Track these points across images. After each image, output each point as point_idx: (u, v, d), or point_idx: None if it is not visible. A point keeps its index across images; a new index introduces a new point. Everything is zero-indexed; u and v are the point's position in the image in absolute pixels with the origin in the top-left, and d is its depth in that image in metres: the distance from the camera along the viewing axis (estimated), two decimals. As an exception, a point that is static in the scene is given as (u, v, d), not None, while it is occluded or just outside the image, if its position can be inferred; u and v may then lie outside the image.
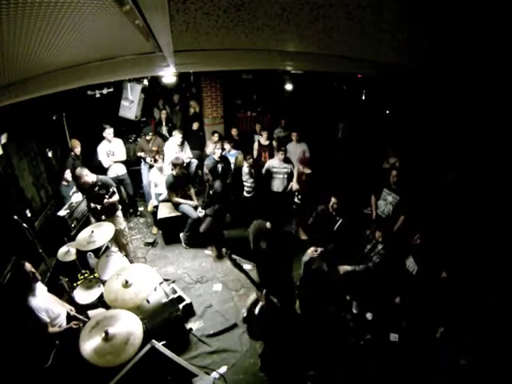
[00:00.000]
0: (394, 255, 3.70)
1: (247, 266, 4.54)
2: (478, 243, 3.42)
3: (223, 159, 5.28)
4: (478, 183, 3.93)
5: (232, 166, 5.56)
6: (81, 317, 2.89)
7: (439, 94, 4.00)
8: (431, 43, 1.16)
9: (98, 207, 4.12)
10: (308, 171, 5.09)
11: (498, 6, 0.73)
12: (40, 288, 2.75)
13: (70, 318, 2.86)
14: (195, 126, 6.70)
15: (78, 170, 4.05)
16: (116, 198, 4.24)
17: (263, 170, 5.37)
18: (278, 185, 5.30)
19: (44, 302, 2.68)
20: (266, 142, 5.96)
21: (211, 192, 4.98)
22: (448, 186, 4.24)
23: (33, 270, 2.63)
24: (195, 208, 5.06)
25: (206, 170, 5.22)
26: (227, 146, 5.66)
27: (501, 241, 3.32)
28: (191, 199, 5.18)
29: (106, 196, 4.04)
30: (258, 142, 6.03)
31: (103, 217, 4.16)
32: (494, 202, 3.66)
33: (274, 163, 5.28)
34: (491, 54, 1.10)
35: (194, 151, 6.33)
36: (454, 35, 1.02)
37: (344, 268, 3.70)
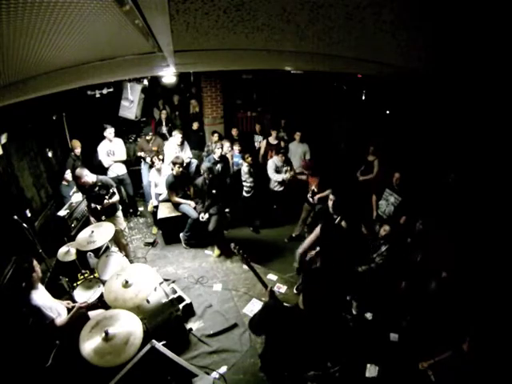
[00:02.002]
0: (397, 253, 3.69)
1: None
2: (479, 243, 3.42)
3: (223, 159, 5.28)
4: (480, 184, 3.94)
5: (238, 166, 5.58)
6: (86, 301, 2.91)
7: (440, 95, 4.00)
8: (432, 43, 1.16)
9: (98, 207, 4.12)
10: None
11: (498, 6, 0.73)
12: (42, 287, 2.77)
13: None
14: (195, 125, 6.71)
15: (78, 170, 4.05)
16: (116, 198, 4.23)
17: (268, 164, 5.34)
18: (278, 184, 5.32)
19: (48, 300, 2.72)
20: (275, 142, 6.01)
21: (213, 191, 4.97)
22: (450, 187, 4.24)
23: (38, 268, 2.68)
24: (195, 208, 5.06)
25: (204, 174, 5.14)
26: (236, 148, 5.66)
27: (502, 242, 3.33)
28: (191, 199, 5.18)
29: (106, 197, 4.04)
30: (267, 140, 6.07)
31: (103, 217, 4.16)
32: (495, 202, 3.67)
33: (278, 163, 5.31)
34: (491, 54, 1.10)
35: (194, 151, 6.34)
36: (454, 35, 1.02)
37: None
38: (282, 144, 6.05)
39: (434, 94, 4.16)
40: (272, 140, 6.00)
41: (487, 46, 1.03)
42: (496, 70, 1.28)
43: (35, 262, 2.65)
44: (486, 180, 3.86)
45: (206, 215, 4.88)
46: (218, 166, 5.16)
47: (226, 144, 5.56)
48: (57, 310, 2.73)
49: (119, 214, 4.43)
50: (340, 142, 7.03)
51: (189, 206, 5.04)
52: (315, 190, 4.71)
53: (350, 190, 4.88)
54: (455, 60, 1.33)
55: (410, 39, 1.15)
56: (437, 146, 5.07)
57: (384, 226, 3.68)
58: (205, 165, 4.97)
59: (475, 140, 4.20)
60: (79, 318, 2.71)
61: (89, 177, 4.05)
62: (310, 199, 4.79)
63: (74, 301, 3.22)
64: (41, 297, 2.65)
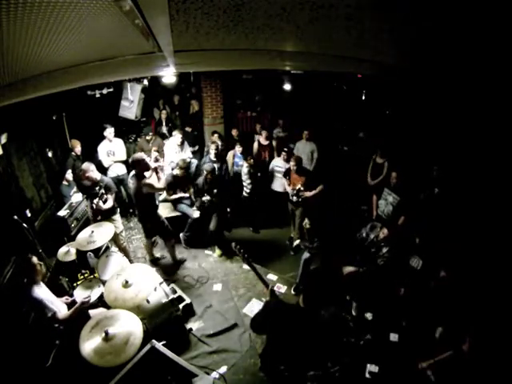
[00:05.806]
0: (398, 256, 3.70)
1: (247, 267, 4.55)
2: (475, 241, 3.43)
3: (219, 159, 5.27)
4: (466, 179, 3.96)
5: (239, 167, 5.57)
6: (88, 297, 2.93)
7: (436, 94, 4.00)
8: (430, 44, 1.16)
9: (94, 206, 4.09)
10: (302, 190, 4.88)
11: (494, 11, 0.73)
12: (43, 284, 2.79)
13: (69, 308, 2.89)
14: (188, 127, 6.60)
15: (86, 164, 4.05)
16: (110, 204, 4.14)
17: (269, 169, 5.40)
18: (279, 184, 5.31)
19: (50, 295, 2.74)
20: (266, 142, 5.99)
21: (215, 191, 4.97)
22: (435, 183, 4.24)
23: (40, 263, 2.70)
24: (191, 205, 5.05)
25: (207, 174, 5.09)
26: (238, 149, 5.64)
27: (499, 241, 3.33)
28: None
29: (97, 199, 3.95)
30: (258, 141, 6.04)
31: (99, 217, 4.13)
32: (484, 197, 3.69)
33: (278, 163, 5.29)
34: (481, 57, 1.11)
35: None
36: (453, 36, 1.02)
37: (347, 269, 3.70)
38: (274, 144, 6.04)
39: (428, 91, 4.16)
40: (263, 140, 5.97)
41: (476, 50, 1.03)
42: (488, 72, 1.28)
43: (34, 259, 2.66)
44: (472, 174, 3.88)
45: (198, 213, 4.89)
46: (214, 166, 5.16)
47: (239, 149, 5.59)
48: (57, 307, 2.74)
49: (116, 217, 4.34)
50: (340, 142, 7.02)
51: (187, 206, 5.04)
52: (301, 188, 4.63)
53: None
54: (452, 59, 1.33)
55: (410, 39, 1.15)
56: (426, 143, 5.08)
57: (383, 230, 3.70)
58: (208, 165, 4.96)
59: (461, 136, 4.24)
60: (80, 315, 2.72)
61: (94, 172, 4.05)
62: (294, 198, 4.72)
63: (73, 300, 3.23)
64: (43, 291, 2.68)
